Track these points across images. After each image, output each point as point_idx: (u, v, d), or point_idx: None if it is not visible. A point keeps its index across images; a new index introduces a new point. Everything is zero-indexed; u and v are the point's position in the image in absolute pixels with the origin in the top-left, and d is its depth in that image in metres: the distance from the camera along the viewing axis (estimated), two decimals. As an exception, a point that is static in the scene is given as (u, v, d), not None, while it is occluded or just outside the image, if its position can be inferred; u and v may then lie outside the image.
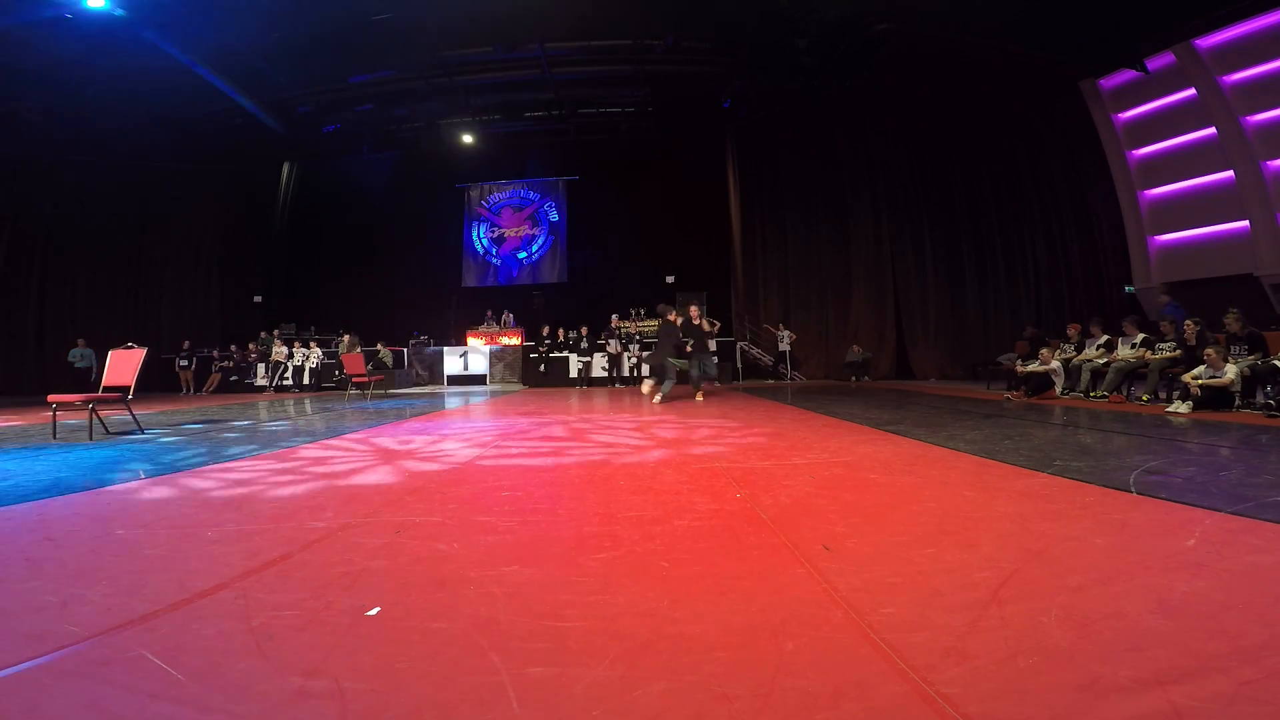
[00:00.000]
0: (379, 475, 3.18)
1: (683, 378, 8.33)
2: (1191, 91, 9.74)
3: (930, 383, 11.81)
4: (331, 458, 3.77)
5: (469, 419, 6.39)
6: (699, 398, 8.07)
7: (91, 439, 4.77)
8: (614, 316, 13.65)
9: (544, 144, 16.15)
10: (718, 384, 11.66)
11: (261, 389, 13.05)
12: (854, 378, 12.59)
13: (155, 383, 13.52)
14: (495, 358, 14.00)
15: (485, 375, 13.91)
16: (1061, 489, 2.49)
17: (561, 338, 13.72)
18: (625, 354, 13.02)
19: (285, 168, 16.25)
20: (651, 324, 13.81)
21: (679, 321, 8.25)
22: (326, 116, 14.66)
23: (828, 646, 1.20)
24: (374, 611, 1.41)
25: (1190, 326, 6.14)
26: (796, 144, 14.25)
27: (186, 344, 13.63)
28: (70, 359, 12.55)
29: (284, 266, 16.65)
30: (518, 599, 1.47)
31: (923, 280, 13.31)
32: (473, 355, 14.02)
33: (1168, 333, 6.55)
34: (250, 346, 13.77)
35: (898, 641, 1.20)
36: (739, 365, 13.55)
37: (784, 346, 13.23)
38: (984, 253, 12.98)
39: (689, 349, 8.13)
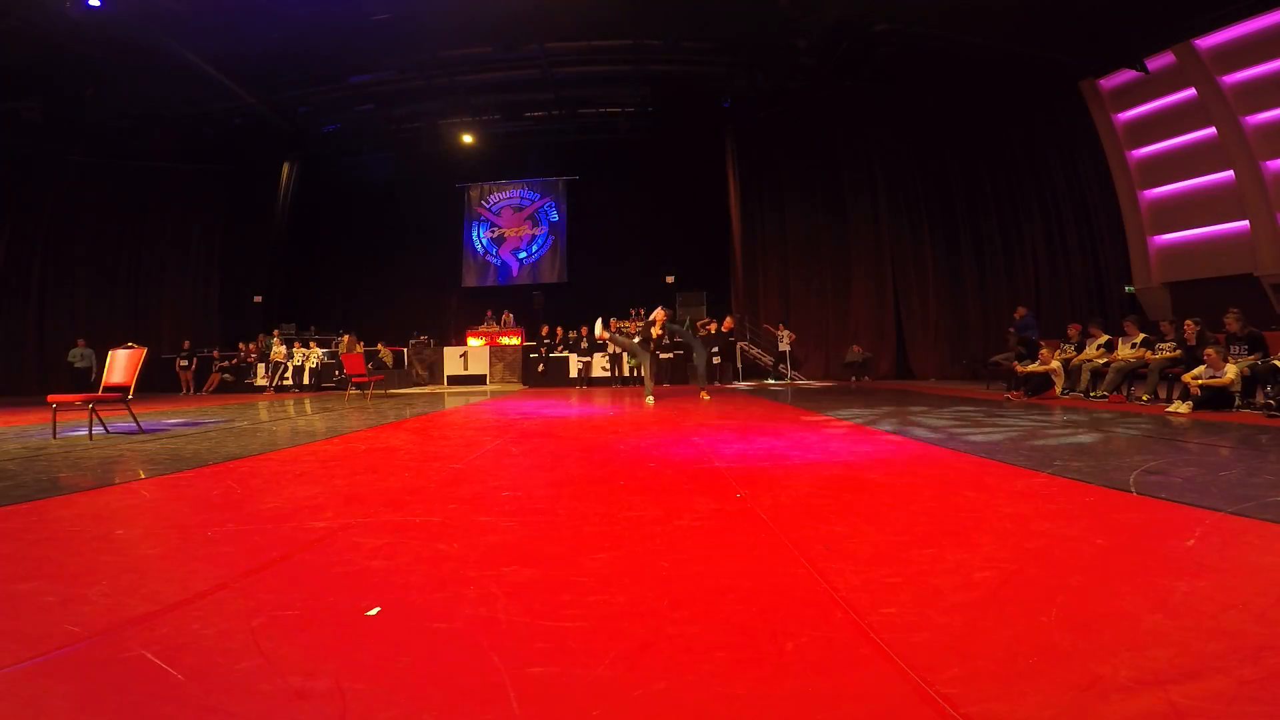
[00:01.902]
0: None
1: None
2: (1191, 91, 9.74)
3: (930, 383, 11.81)
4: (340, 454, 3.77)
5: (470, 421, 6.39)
6: (705, 396, 8.13)
7: (91, 439, 4.77)
8: (612, 320, 13.61)
9: (544, 144, 16.14)
10: (717, 383, 11.68)
11: (261, 389, 13.05)
12: (854, 378, 12.60)
13: (155, 383, 13.51)
14: (495, 357, 14.00)
15: (485, 375, 13.91)
16: (1061, 489, 2.49)
17: (561, 337, 13.71)
18: (625, 354, 13.01)
19: (285, 168, 16.25)
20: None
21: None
22: (326, 116, 14.66)
23: (828, 646, 1.20)
24: (374, 611, 1.41)
25: (1190, 326, 6.14)
26: (796, 144, 14.24)
27: (186, 344, 13.62)
28: (70, 359, 12.56)
29: (284, 266, 16.64)
30: (518, 599, 1.47)
31: (923, 280, 13.31)
32: (473, 355, 14.01)
33: (1168, 333, 6.55)
34: (250, 346, 13.76)
35: (898, 641, 1.20)
36: (739, 365, 13.55)
37: (784, 346, 13.23)
38: (984, 253, 12.97)
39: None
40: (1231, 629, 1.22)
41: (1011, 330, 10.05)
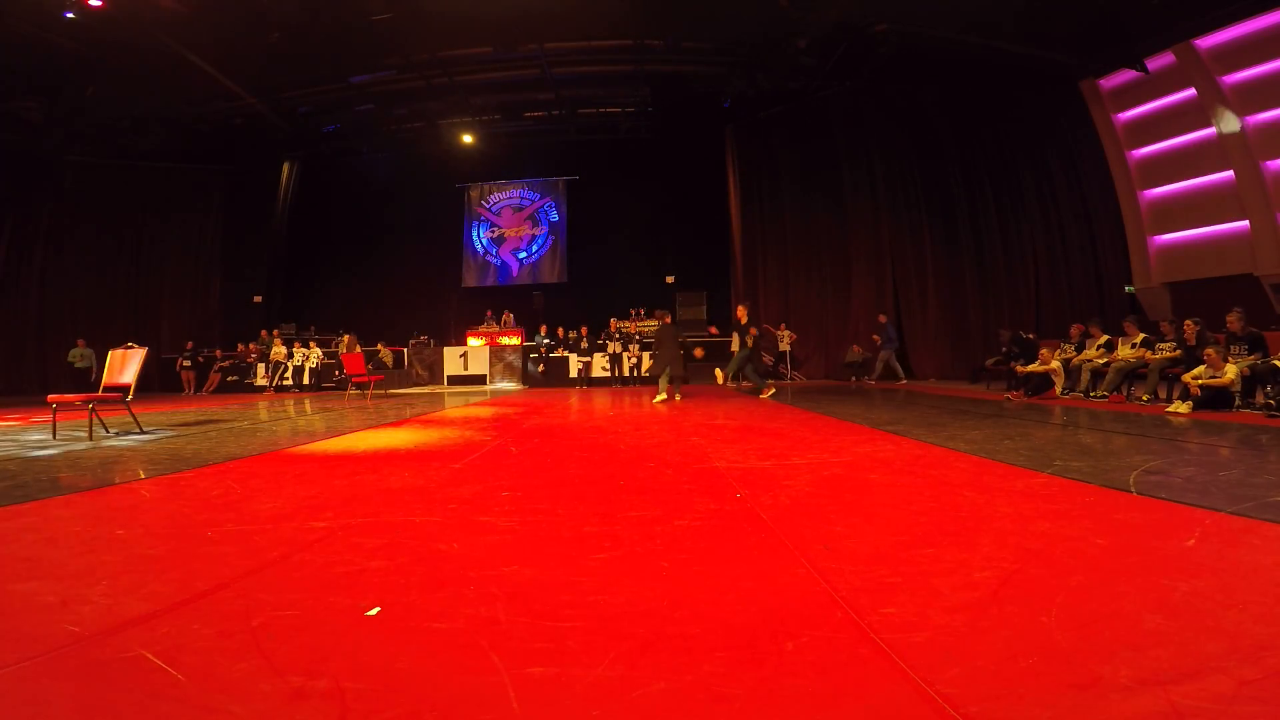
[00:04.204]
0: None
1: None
2: (1191, 91, 9.74)
3: (930, 383, 11.81)
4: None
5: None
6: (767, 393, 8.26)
7: (91, 439, 4.77)
8: (611, 320, 13.65)
9: (544, 144, 16.13)
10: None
11: (261, 389, 13.05)
12: (854, 378, 12.60)
13: (155, 383, 13.52)
14: (495, 357, 14.00)
15: (485, 375, 13.92)
16: (1061, 489, 2.49)
17: (561, 337, 13.72)
18: (625, 354, 13.02)
19: (285, 168, 16.25)
20: (651, 324, 13.93)
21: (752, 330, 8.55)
22: (326, 116, 14.66)
23: (828, 646, 1.20)
24: (374, 611, 1.41)
25: (1190, 326, 6.14)
26: (796, 144, 14.23)
27: (189, 344, 13.62)
28: (70, 359, 12.55)
29: (284, 266, 16.64)
30: (518, 599, 1.47)
31: (923, 280, 13.30)
32: (473, 355, 14.01)
33: (1167, 333, 6.55)
34: (250, 346, 13.77)
35: (898, 641, 1.20)
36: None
37: (784, 346, 13.22)
38: (984, 253, 12.96)
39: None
40: (1231, 629, 1.22)
41: (875, 337, 11.90)
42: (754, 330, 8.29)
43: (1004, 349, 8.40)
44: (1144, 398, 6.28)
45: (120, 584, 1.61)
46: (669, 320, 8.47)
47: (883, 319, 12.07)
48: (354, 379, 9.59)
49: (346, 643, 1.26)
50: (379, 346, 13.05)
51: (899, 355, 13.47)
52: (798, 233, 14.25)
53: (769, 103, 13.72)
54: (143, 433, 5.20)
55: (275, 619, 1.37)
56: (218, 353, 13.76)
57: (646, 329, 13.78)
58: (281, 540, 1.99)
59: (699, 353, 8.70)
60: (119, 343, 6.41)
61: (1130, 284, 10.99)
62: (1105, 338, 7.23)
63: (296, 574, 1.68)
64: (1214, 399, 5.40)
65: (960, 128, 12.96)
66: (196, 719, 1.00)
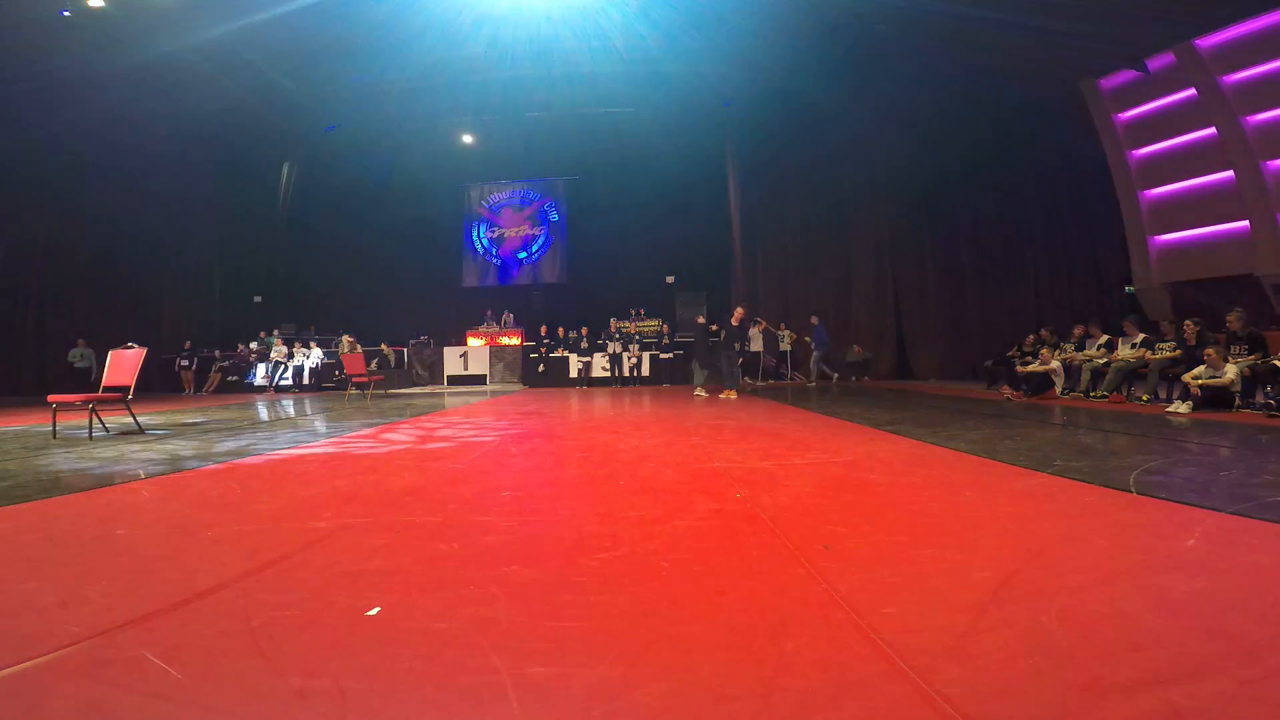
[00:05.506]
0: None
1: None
2: (1191, 91, 9.74)
3: (930, 383, 11.81)
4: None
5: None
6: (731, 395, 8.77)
7: (91, 439, 4.77)
8: (611, 320, 13.67)
9: (544, 144, 16.13)
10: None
11: (261, 389, 13.05)
12: (854, 378, 12.60)
13: (155, 383, 13.52)
14: (495, 357, 13.99)
15: (485, 375, 13.91)
16: (1061, 489, 2.49)
17: (561, 337, 13.73)
18: (625, 354, 13.02)
19: (285, 168, 16.25)
20: (652, 324, 13.98)
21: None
22: (326, 116, 14.66)
23: (828, 646, 1.20)
24: (374, 611, 1.41)
25: (1190, 326, 6.14)
26: (796, 144, 14.24)
27: (187, 344, 13.61)
28: (70, 359, 12.56)
29: (284, 266, 16.64)
30: (518, 599, 1.47)
31: (923, 280, 13.31)
32: (473, 355, 14.00)
33: (1167, 333, 6.55)
34: (250, 346, 13.76)
35: (898, 641, 1.20)
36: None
37: (784, 346, 13.23)
38: (984, 253, 12.97)
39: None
40: (1231, 629, 1.22)
41: (807, 338, 12.18)
42: (736, 320, 8.88)
43: (1021, 347, 8.41)
44: (1144, 398, 6.28)
45: (120, 584, 1.61)
46: (700, 320, 9.41)
47: (814, 320, 12.23)
48: (354, 379, 9.59)
49: (346, 643, 1.25)
50: (381, 346, 13.06)
51: (899, 355, 13.51)
52: (798, 232, 14.27)
53: (769, 103, 13.73)
54: (143, 433, 5.20)
55: (275, 619, 1.37)
56: (217, 352, 13.75)
57: (646, 329, 13.82)
58: (281, 540, 1.99)
59: (713, 327, 9.56)
60: (119, 343, 6.42)
61: (1130, 284, 10.99)
62: (1105, 338, 7.24)
63: (296, 574, 1.68)
64: (1214, 399, 5.40)
65: (960, 127, 12.96)
66: (196, 719, 1.00)
